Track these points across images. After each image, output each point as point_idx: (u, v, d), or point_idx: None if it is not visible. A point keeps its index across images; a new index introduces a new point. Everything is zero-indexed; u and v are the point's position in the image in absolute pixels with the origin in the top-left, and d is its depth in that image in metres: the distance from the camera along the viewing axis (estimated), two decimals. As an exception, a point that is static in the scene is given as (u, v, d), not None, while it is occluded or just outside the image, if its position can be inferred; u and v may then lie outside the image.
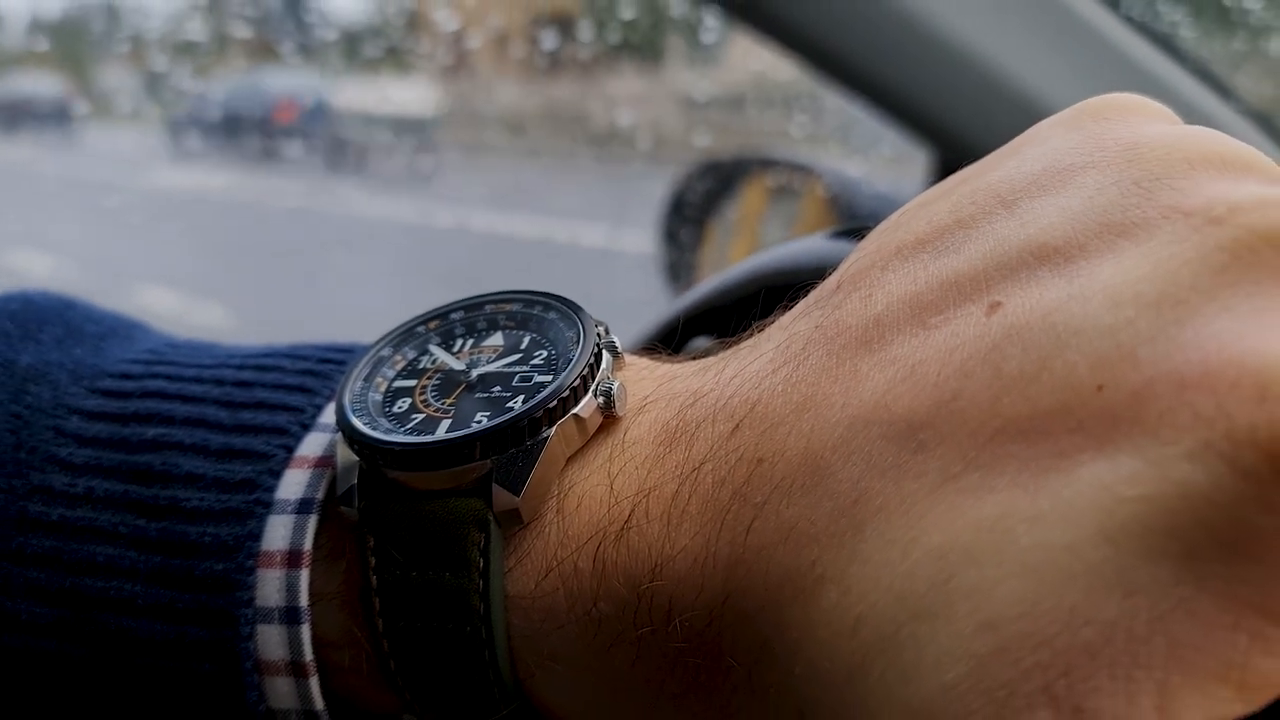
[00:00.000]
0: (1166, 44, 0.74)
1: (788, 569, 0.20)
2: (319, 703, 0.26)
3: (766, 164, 1.05)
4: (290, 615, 0.25)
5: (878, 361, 0.21)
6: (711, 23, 1.59)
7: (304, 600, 0.25)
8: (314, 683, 0.25)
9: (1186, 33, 0.84)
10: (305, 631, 0.25)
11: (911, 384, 0.20)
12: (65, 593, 0.26)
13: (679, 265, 1.09)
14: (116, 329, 0.32)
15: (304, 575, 0.25)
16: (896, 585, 0.18)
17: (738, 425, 0.22)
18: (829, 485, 0.20)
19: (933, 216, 0.23)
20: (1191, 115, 0.74)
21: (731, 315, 0.27)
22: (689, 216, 1.07)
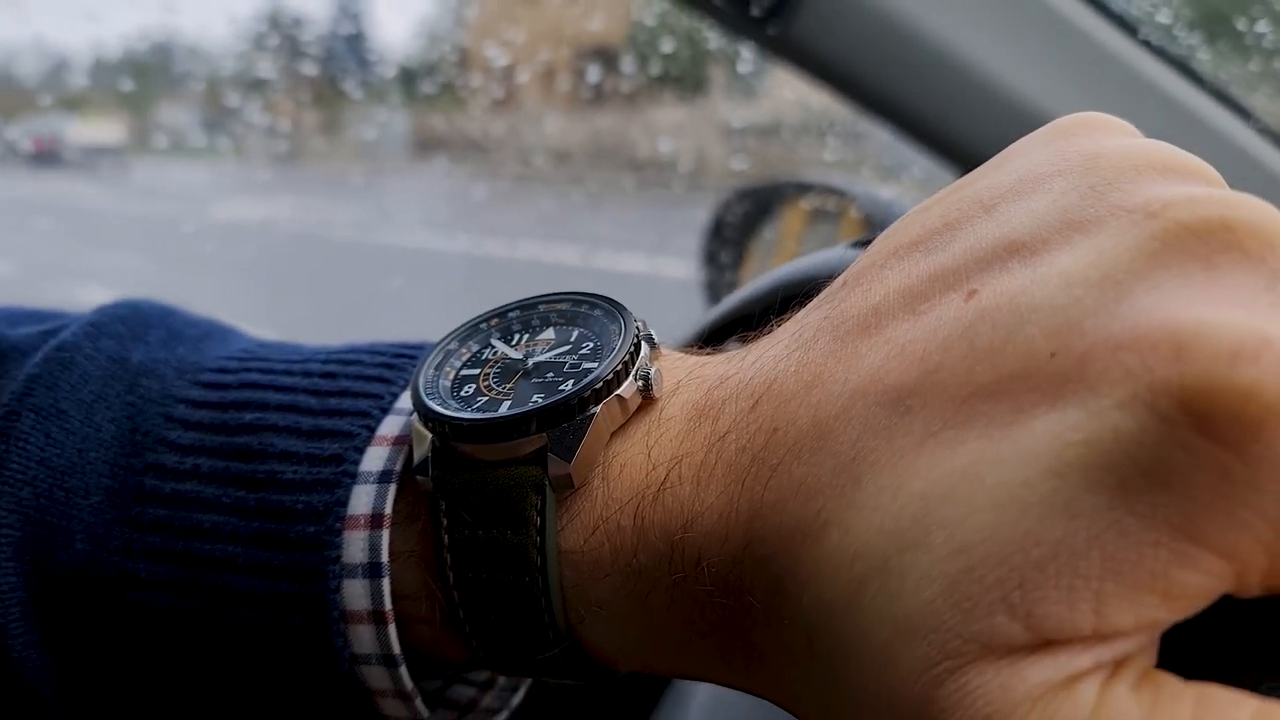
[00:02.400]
0: (1185, 68, 0.76)
1: (798, 518, 0.23)
2: (396, 647, 0.29)
3: (802, 188, 1.07)
4: (373, 570, 0.28)
5: (874, 343, 0.24)
6: (750, 54, 1.63)
7: (385, 557, 0.28)
8: (392, 629, 0.28)
9: (1203, 56, 0.87)
10: (385, 584, 0.28)
11: (901, 360, 0.23)
12: (177, 554, 0.30)
13: (719, 285, 1.11)
14: (212, 332, 0.36)
15: (385, 535, 0.28)
16: (886, 524, 0.21)
17: (757, 401, 0.25)
18: (832, 447, 0.23)
19: (926, 221, 0.26)
20: (1211, 135, 0.76)
21: (760, 321, 0.31)
22: (729, 239, 1.10)
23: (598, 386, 0.27)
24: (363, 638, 0.29)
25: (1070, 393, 0.20)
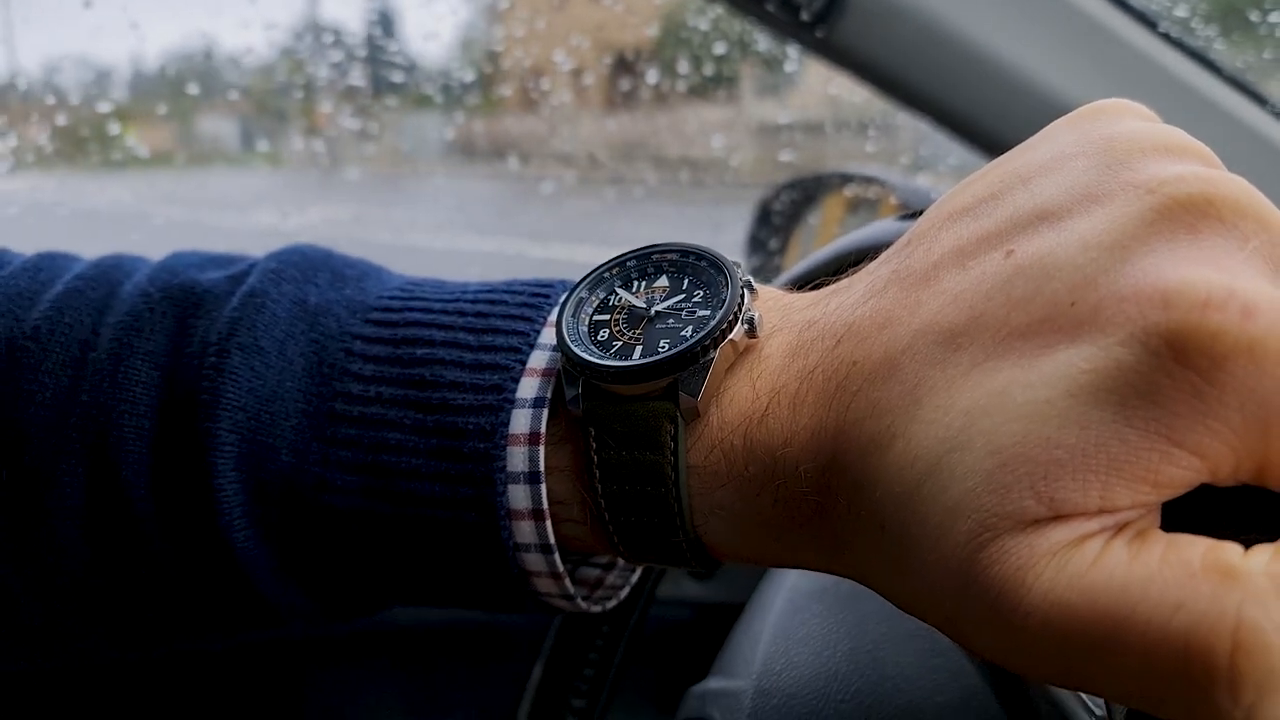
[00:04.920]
0: (1202, 58, 0.81)
1: (872, 432, 0.28)
2: (552, 538, 0.34)
3: (846, 179, 1.13)
4: (532, 478, 0.34)
5: (933, 292, 0.29)
6: (787, 53, 1.67)
7: (542, 467, 0.34)
8: (548, 524, 0.34)
9: (1219, 46, 0.91)
10: (543, 489, 0.34)
11: (954, 306, 0.28)
12: (368, 465, 0.35)
13: (766, 269, 1.17)
14: (368, 271, 0.41)
15: (541, 450, 0.34)
16: (939, 434, 0.26)
17: (839, 340, 0.30)
18: (900, 376, 0.28)
19: (975, 191, 0.31)
20: (1228, 120, 0.81)
21: (836, 273, 0.36)
22: (777, 226, 1.16)
23: (715, 335, 0.32)
24: (524, 531, 0.34)
25: (1085, 333, 0.25)
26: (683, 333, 0.34)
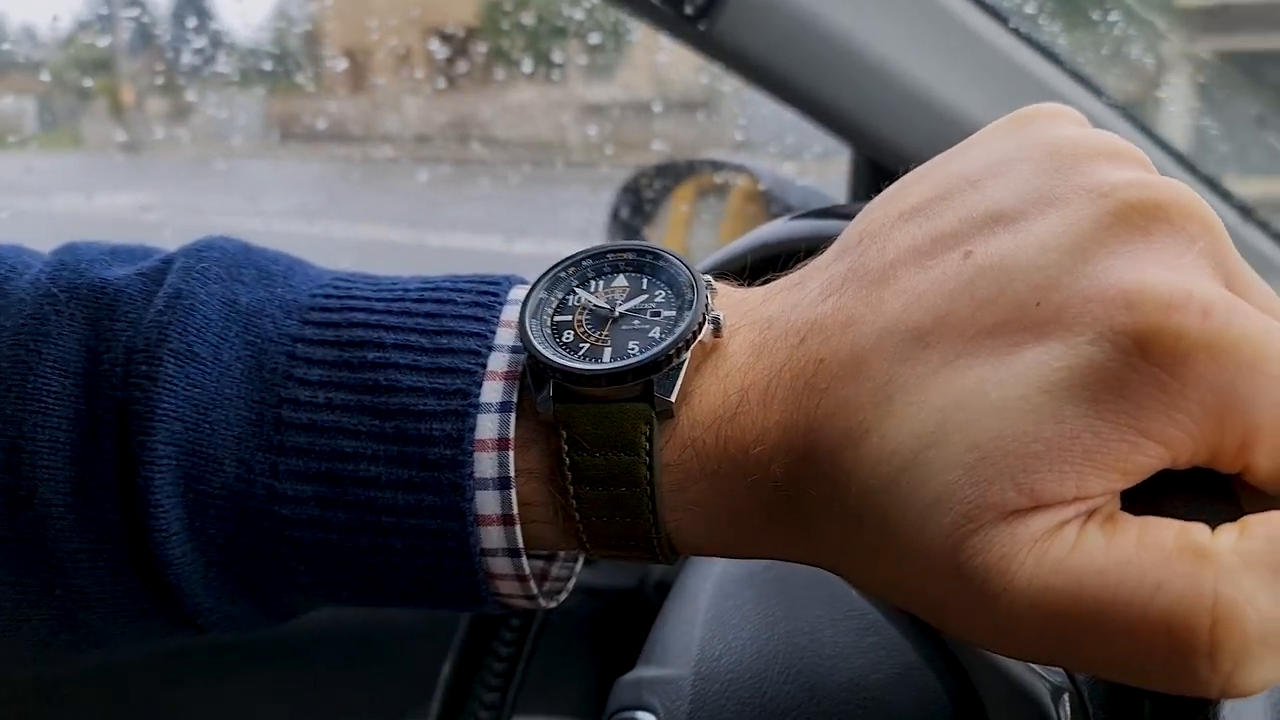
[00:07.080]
0: (1048, 52, 0.87)
1: (844, 429, 0.28)
2: (520, 542, 0.33)
3: (716, 166, 1.16)
4: (502, 483, 0.33)
5: (894, 292, 0.29)
6: (612, 32, 1.68)
7: (512, 472, 0.33)
8: (517, 529, 0.33)
9: (1062, 42, 0.98)
10: (513, 494, 0.33)
11: (918, 306, 0.28)
12: (321, 474, 0.33)
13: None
14: (292, 266, 0.38)
15: (511, 455, 0.33)
16: (914, 429, 0.27)
17: (803, 338, 0.30)
18: (868, 373, 0.28)
19: (921, 191, 0.31)
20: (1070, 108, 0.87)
21: (781, 265, 0.37)
22: (647, 212, 1.17)
23: (688, 337, 0.32)
24: (492, 536, 0.34)
25: (1052, 332, 0.26)
26: (651, 334, 0.34)
